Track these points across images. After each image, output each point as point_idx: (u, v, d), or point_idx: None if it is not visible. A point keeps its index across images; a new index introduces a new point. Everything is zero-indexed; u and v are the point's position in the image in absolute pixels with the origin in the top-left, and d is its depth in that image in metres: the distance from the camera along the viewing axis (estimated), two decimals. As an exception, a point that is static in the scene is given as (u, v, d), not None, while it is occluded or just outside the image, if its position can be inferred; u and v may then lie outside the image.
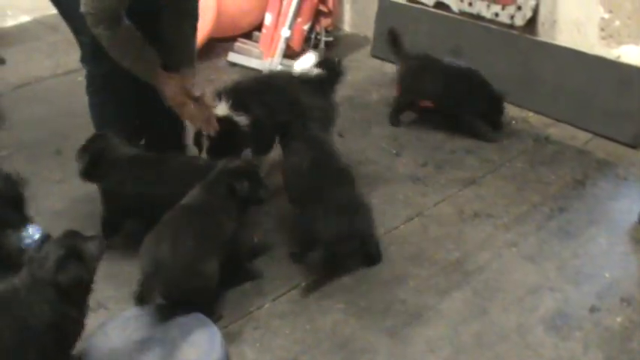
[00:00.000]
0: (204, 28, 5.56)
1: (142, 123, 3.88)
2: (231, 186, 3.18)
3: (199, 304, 3.05)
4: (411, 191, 4.07)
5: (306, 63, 4.20)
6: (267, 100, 3.88)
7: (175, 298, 3.06)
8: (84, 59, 3.71)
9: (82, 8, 3.18)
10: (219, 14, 5.63)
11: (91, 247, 2.67)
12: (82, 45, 3.63)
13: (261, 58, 5.59)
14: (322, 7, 5.66)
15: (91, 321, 3.06)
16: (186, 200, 3.21)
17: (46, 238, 3.39)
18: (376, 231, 3.55)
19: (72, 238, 2.67)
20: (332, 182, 3.45)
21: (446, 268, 3.47)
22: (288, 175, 3.66)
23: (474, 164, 4.33)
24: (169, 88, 3.49)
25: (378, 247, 3.52)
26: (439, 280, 3.40)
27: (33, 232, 3.45)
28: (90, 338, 2.90)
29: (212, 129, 3.62)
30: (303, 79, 4.08)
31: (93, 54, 3.55)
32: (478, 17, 5.18)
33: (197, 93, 3.58)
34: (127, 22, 3.27)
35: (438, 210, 3.92)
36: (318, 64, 4.16)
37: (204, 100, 3.61)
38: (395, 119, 4.80)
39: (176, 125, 3.94)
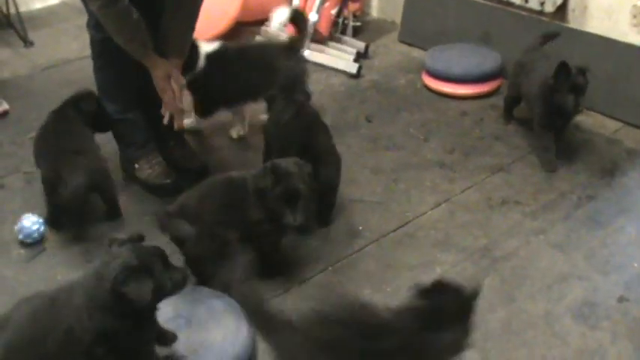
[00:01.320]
0: (231, 11, 5.57)
1: (142, 88, 3.87)
2: (256, 178, 3.17)
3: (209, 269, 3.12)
4: (438, 177, 4.06)
5: (280, 17, 4.25)
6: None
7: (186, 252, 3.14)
8: (88, 24, 3.80)
9: None
10: (246, -2, 5.61)
11: (174, 277, 2.49)
12: (88, 12, 3.70)
13: (288, 42, 5.57)
14: (350, -8, 5.64)
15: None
16: (235, 173, 3.32)
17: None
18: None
19: (150, 254, 2.45)
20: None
21: (473, 255, 3.45)
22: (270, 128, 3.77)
23: (502, 151, 4.30)
24: (157, 71, 3.55)
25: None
26: (466, 266, 3.38)
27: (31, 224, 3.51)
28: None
29: (178, 123, 3.69)
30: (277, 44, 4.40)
31: (96, 21, 3.62)
32: (507, 3, 5.13)
33: (178, 83, 3.61)
34: (125, 2, 3.33)
35: (466, 196, 3.90)
36: (290, 17, 4.27)
37: (180, 93, 3.65)
38: (506, 116, 4.63)
39: None
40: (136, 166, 3.93)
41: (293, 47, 4.25)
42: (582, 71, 3.98)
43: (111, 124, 3.91)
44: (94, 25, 3.72)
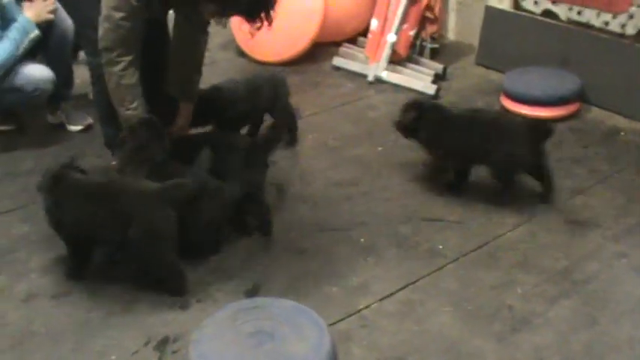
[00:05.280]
0: (310, 31, 5.68)
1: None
2: None
3: None
4: (519, 198, 4.03)
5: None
6: None
7: None
8: (87, 52, 3.94)
9: (100, 44, 3.46)
10: (325, 18, 5.69)
11: None
12: (87, 39, 3.81)
13: (367, 63, 5.63)
14: (428, 14, 5.65)
15: (200, 312, 3.17)
16: None
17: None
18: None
19: None
20: None
21: (554, 277, 3.43)
22: None
23: (581, 174, 4.27)
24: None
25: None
26: (547, 287, 3.36)
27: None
28: (201, 327, 2.96)
29: None
30: None
31: (91, 48, 3.70)
32: (587, 26, 5.12)
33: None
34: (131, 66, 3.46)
35: (546, 218, 3.87)
36: None
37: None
38: None
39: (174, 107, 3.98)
40: None
41: None
42: None
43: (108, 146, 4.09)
44: (90, 52, 3.81)
